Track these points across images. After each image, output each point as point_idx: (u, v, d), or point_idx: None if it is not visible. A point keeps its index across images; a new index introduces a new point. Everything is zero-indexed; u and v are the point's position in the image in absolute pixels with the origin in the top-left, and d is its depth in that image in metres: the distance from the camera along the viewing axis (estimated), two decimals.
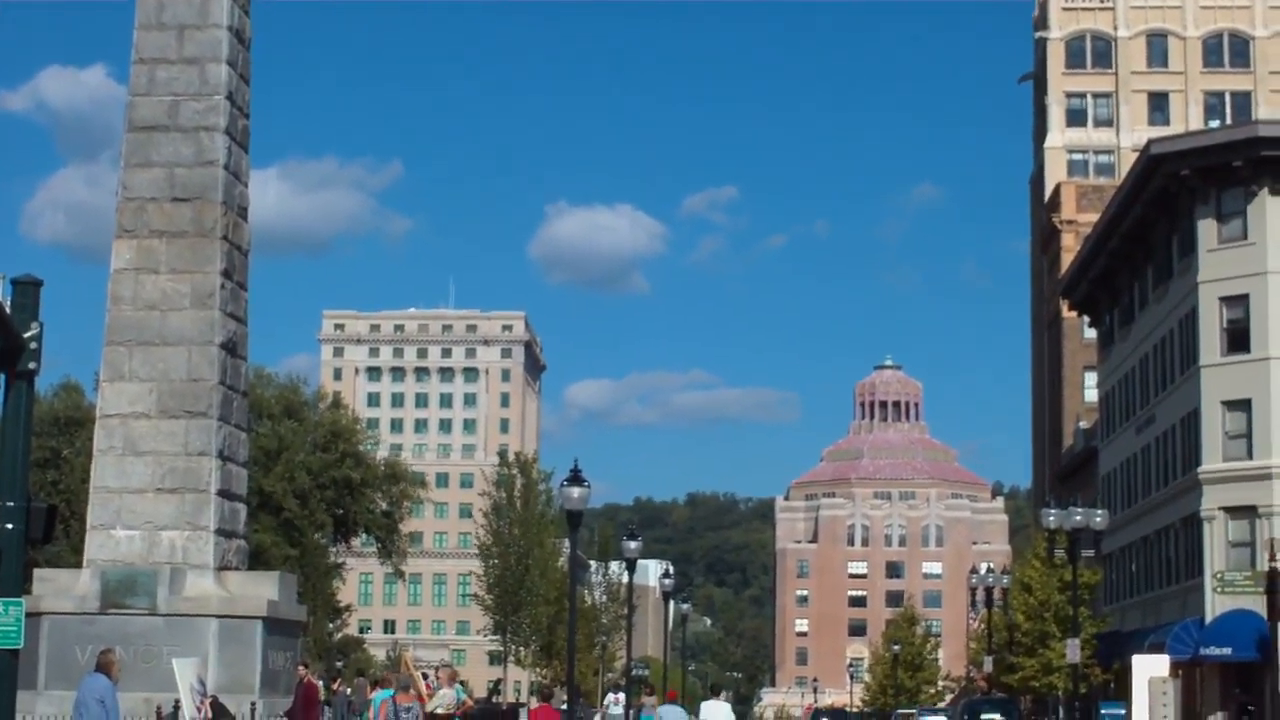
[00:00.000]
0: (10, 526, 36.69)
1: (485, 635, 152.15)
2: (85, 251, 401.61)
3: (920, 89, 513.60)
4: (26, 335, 36.58)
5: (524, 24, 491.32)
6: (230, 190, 33.09)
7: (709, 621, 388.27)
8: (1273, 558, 63.59)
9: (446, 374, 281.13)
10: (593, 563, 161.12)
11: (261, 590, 36.76)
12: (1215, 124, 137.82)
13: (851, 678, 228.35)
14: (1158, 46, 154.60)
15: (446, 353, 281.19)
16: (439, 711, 42.76)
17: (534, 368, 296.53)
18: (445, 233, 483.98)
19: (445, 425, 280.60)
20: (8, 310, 36.02)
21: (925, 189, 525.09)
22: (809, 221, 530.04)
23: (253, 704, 36.61)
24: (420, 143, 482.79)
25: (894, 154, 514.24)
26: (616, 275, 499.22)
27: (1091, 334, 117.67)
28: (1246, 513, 77.35)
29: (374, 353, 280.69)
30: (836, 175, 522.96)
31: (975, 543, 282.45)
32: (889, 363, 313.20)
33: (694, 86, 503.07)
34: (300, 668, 41.93)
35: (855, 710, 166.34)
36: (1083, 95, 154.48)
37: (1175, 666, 72.14)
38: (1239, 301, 78.19)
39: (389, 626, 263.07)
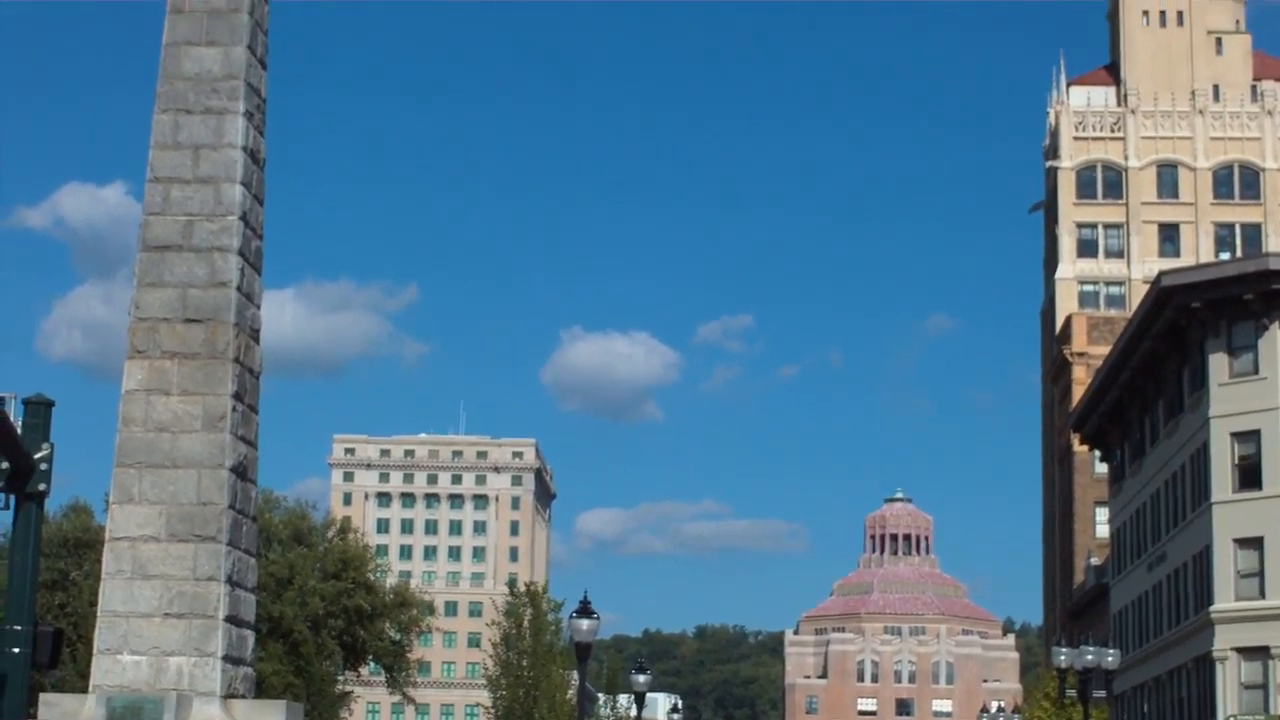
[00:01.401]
0: (17, 651, 36.47)
1: None
2: (99, 370, 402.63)
3: (933, 218, 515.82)
4: (37, 456, 36.51)
5: (541, 147, 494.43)
6: (243, 312, 33.01)
7: None
8: None
9: (456, 501, 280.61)
10: (601, 695, 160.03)
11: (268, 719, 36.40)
12: (1226, 256, 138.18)
13: None
14: (1168, 177, 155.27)
15: (457, 479, 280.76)
16: None
17: (544, 495, 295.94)
18: (459, 357, 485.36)
19: (454, 553, 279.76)
20: (19, 431, 35.95)
21: (938, 319, 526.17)
22: (823, 351, 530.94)
23: None
24: (437, 266, 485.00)
25: (907, 284, 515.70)
26: (629, 403, 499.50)
27: (1103, 468, 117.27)
28: (1260, 654, 76.41)
29: (384, 478, 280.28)
30: (850, 305, 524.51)
31: (986, 680, 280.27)
32: (900, 495, 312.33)
33: (711, 215, 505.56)
34: None
35: None
36: (1094, 226, 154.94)
37: None
38: (1251, 437, 77.76)
39: None
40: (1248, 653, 76.94)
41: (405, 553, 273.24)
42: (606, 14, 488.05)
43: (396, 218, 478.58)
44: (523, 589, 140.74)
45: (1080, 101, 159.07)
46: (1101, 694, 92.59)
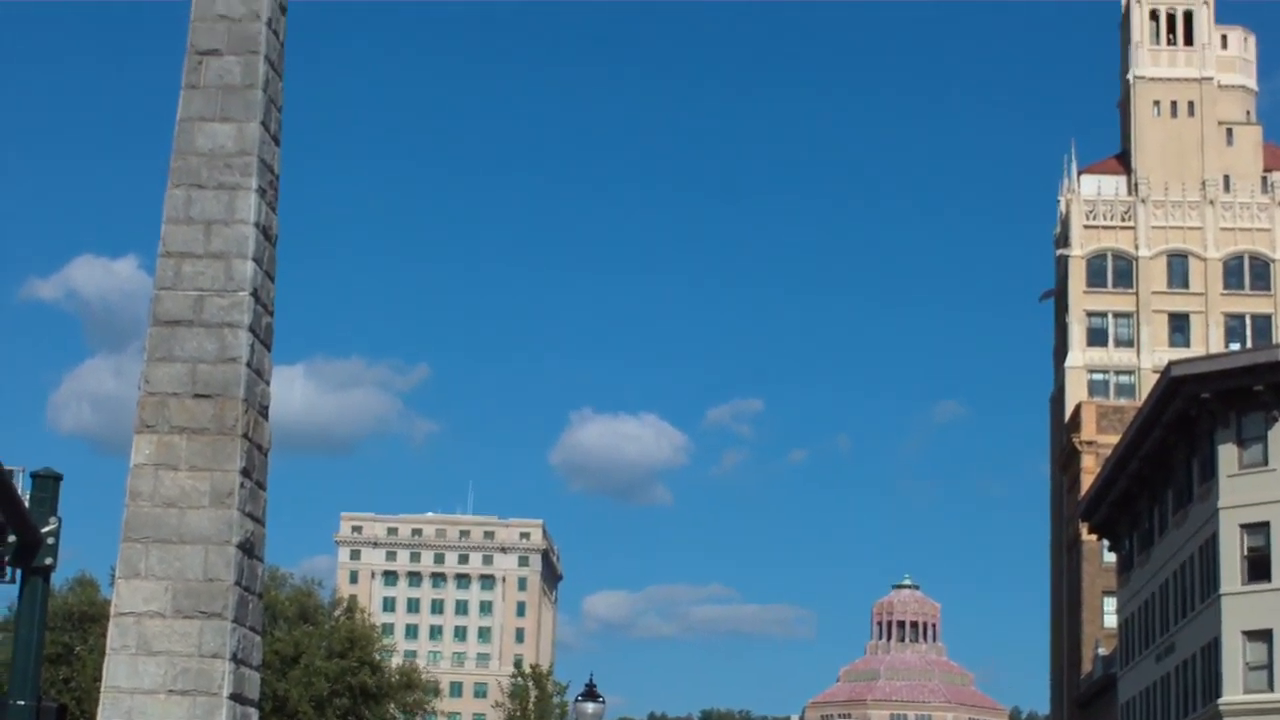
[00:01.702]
0: None
1: None
2: (108, 443, 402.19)
3: (943, 304, 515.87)
4: (44, 530, 36.49)
5: (553, 228, 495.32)
6: (252, 388, 33.01)
7: None
8: None
9: (463, 580, 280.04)
10: None
11: None
12: (1236, 346, 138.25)
13: None
14: (1179, 267, 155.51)
15: (463, 559, 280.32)
16: None
17: (551, 577, 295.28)
18: (468, 436, 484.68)
19: (460, 633, 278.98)
20: (26, 505, 35.94)
21: (948, 405, 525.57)
22: (832, 436, 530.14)
23: None
24: (448, 345, 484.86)
25: (918, 370, 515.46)
26: (638, 486, 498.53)
27: (1111, 557, 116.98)
28: None
29: (391, 556, 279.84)
30: (860, 390, 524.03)
31: None
32: (907, 582, 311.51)
33: (722, 298, 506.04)
34: None
35: None
36: (1104, 314, 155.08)
37: None
38: (1260, 529, 77.56)
39: None
40: None
41: (411, 632, 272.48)
42: (616, 93, 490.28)
43: (409, 297, 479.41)
44: (528, 670, 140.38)
45: (1091, 190, 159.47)
46: None
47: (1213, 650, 79.94)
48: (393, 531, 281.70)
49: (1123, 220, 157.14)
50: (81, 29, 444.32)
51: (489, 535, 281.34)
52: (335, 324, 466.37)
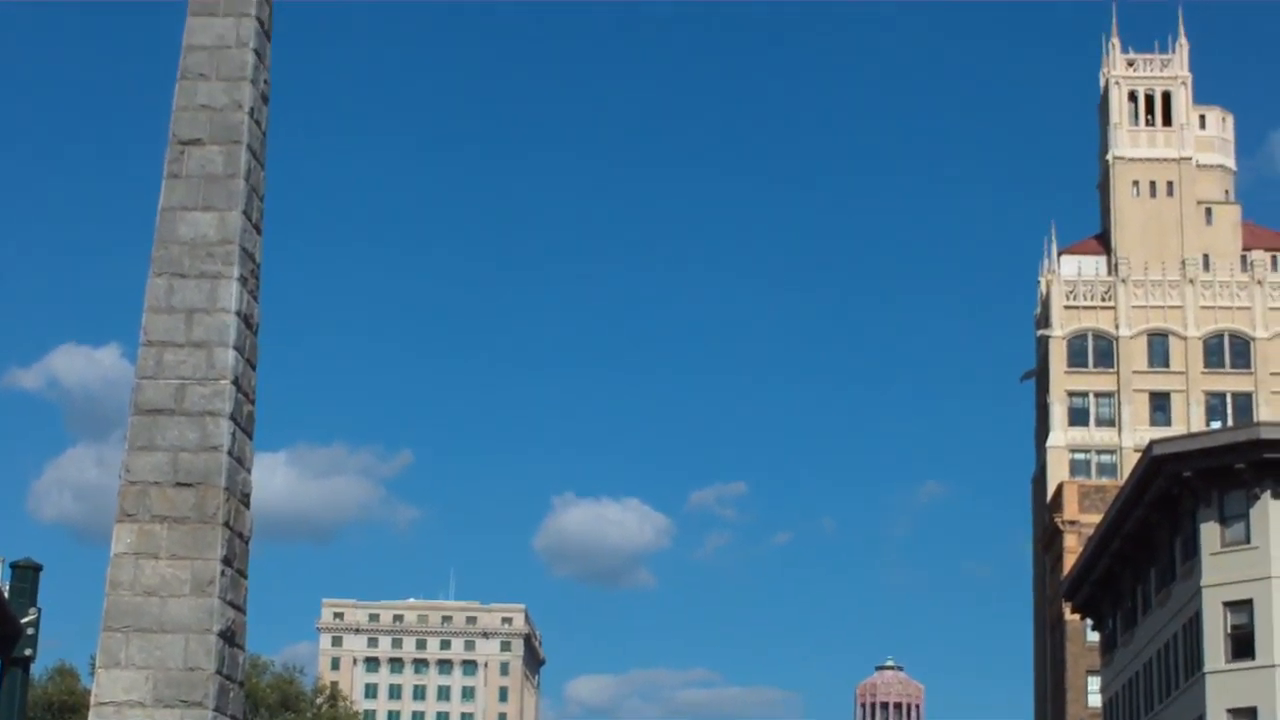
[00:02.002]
0: None
1: None
2: (89, 532, 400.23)
3: (925, 385, 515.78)
4: (24, 621, 36.34)
5: (535, 316, 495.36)
6: (233, 477, 32.98)
7: None
8: None
9: (445, 666, 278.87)
10: None
11: None
12: (1217, 425, 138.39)
13: None
14: (1159, 346, 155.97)
15: (445, 644, 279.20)
16: None
17: (534, 662, 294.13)
18: (450, 522, 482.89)
19: (443, 719, 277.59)
20: (6, 595, 35.80)
21: (931, 487, 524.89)
22: (815, 518, 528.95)
23: None
24: (431, 431, 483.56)
25: (900, 451, 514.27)
26: (621, 570, 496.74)
27: (1095, 637, 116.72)
28: None
29: (373, 643, 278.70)
30: (844, 473, 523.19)
31: None
32: (890, 663, 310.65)
33: (704, 383, 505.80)
34: None
35: None
36: (1085, 394, 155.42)
37: None
38: (1243, 607, 77.46)
39: None
40: None
41: (393, 718, 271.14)
42: (592, 182, 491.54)
43: (392, 384, 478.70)
44: None
45: (1071, 271, 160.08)
46: None
47: None
48: (375, 617, 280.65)
49: (1103, 300, 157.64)
50: (62, 117, 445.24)
51: (471, 621, 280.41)
52: (318, 411, 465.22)
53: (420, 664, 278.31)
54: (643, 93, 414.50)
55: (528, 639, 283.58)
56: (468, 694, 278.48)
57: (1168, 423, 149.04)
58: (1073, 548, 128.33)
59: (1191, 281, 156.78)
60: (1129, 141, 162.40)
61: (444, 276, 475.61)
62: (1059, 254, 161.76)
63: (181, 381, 32.49)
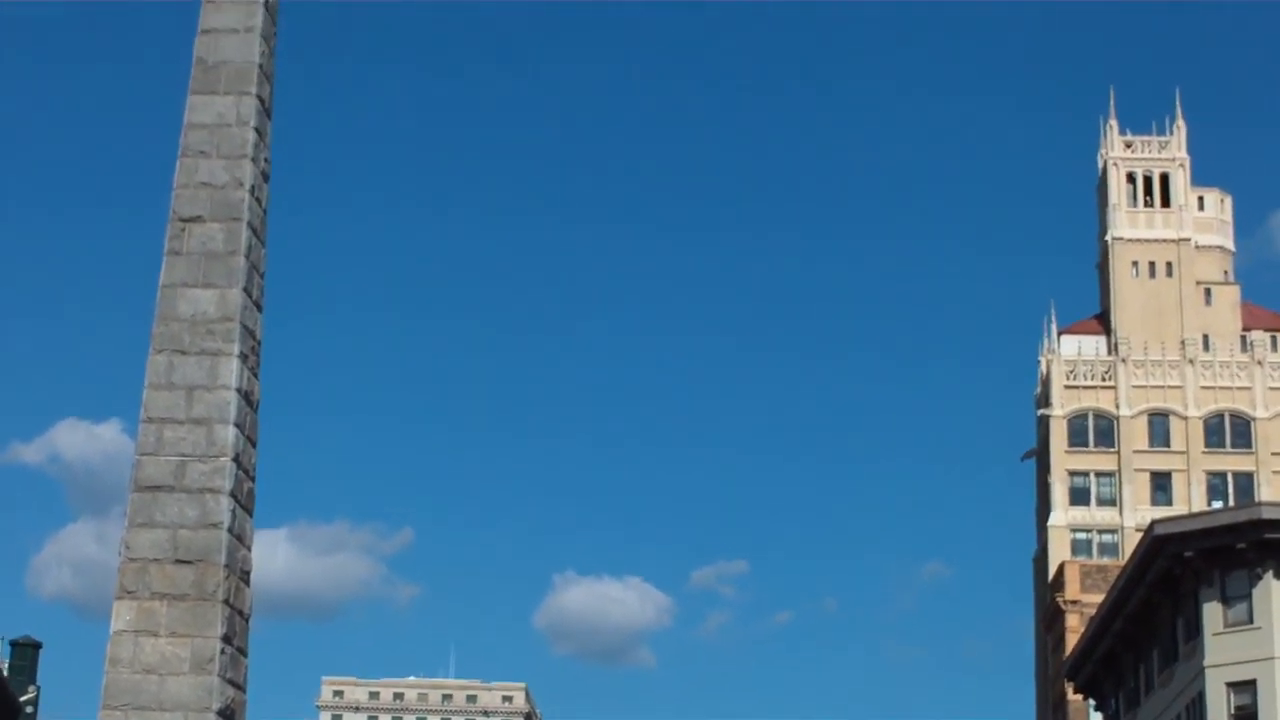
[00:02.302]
0: None
1: None
2: (90, 608, 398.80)
3: (926, 464, 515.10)
4: (23, 699, 36.28)
5: (536, 392, 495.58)
6: (233, 554, 32.97)
7: None
8: None
9: None
10: None
11: None
12: (1218, 505, 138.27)
13: None
14: (1159, 426, 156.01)
15: None
16: None
17: None
18: (451, 599, 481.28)
19: None
20: (5, 673, 35.72)
21: (934, 566, 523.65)
22: (818, 597, 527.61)
23: None
24: (433, 508, 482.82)
25: (903, 531, 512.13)
26: (622, 648, 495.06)
27: (1098, 717, 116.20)
28: None
29: None
30: (846, 551, 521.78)
31: None
32: None
33: (706, 460, 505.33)
34: None
35: None
36: (1086, 474, 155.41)
37: None
38: (1247, 687, 77.15)
39: None
40: None
41: None
42: (586, 255, 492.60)
43: (394, 460, 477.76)
44: None
45: (1071, 350, 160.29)
46: None
47: None
48: (375, 695, 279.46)
49: (1103, 380, 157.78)
50: (63, 191, 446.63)
51: (472, 699, 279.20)
52: (320, 488, 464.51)
53: None
54: (646, 155, 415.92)
55: (528, 717, 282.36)
56: None
57: (1169, 502, 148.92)
58: (1075, 627, 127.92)
59: (1191, 362, 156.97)
60: (1128, 222, 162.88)
61: (443, 349, 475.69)
62: (1059, 334, 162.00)
63: (182, 458, 32.52)
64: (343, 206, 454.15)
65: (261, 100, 34.00)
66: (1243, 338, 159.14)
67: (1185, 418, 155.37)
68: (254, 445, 33.61)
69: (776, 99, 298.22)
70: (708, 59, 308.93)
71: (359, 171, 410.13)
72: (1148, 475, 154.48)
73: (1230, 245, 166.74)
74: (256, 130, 33.78)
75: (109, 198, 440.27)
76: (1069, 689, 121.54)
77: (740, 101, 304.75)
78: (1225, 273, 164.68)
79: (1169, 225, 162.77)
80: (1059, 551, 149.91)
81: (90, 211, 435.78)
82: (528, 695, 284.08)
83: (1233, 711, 77.73)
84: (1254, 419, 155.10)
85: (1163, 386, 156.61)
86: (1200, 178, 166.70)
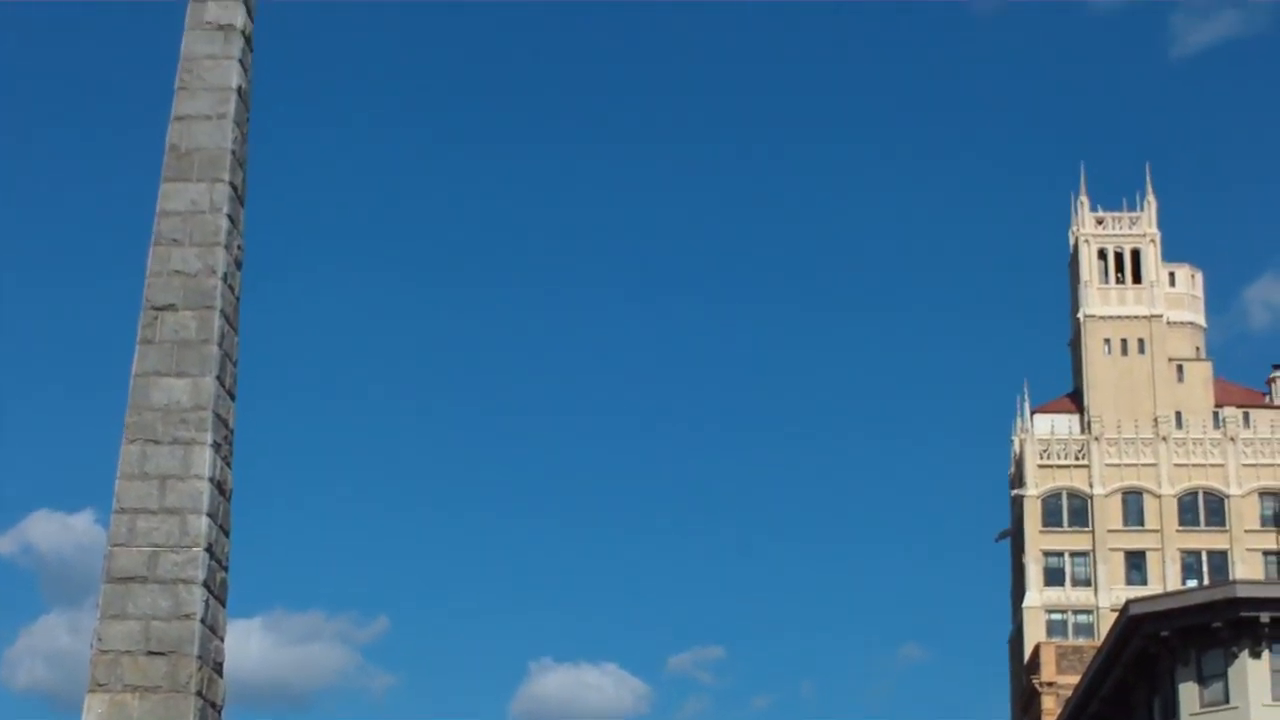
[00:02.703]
0: None
1: None
2: (62, 700, 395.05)
3: (901, 547, 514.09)
4: None
5: (512, 480, 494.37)
6: (206, 645, 32.70)
7: None
8: None
9: None
10: None
11: None
12: (1193, 583, 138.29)
13: None
14: (1134, 505, 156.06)
15: None
16: None
17: None
18: (427, 688, 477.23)
19: None
20: None
21: (910, 649, 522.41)
22: (794, 681, 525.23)
23: None
24: (407, 597, 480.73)
25: (879, 614, 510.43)
26: None
27: None
28: None
29: None
30: (822, 636, 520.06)
31: None
32: None
33: (681, 547, 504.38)
34: None
35: None
36: (1060, 554, 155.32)
37: None
38: None
39: None
40: None
41: None
42: (556, 341, 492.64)
43: (369, 549, 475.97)
44: None
45: (1044, 429, 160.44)
46: None
47: None
48: None
49: (1076, 459, 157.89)
50: (29, 284, 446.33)
51: None
52: (295, 577, 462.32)
53: None
54: (613, 230, 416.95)
55: None
56: None
57: (1144, 581, 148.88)
58: (1051, 709, 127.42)
59: (1164, 439, 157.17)
60: (1099, 299, 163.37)
61: (416, 434, 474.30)
62: (1032, 413, 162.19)
63: (154, 549, 32.27)
64: (318, 285, 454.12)
65: (234, 187, 33.97)
66: (1215, 414, 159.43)
67: (1159, 496, 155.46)
68: (227, 535, 33.42)
69: (747, 172, 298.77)
70: (682, 131, 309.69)
71: (335, 248, 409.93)
72: (1122, 554, 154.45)
73: (1202, 321, 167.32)
74: (229, 217, 33.73)
75: (80, 285, 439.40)
76: None
77: (711, 174, 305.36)
78: (1197, 349, 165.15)
79: (1140, 302, 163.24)
80: (1034, 632, 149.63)
81: (62, 297, 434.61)
82: None
83: None
84: (1228, 496, 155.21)
85: (1136, 464, 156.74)
86: (1171, 253, 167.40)
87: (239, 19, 34.40)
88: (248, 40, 34.67)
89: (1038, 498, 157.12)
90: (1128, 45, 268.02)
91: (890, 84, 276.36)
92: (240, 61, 34.31)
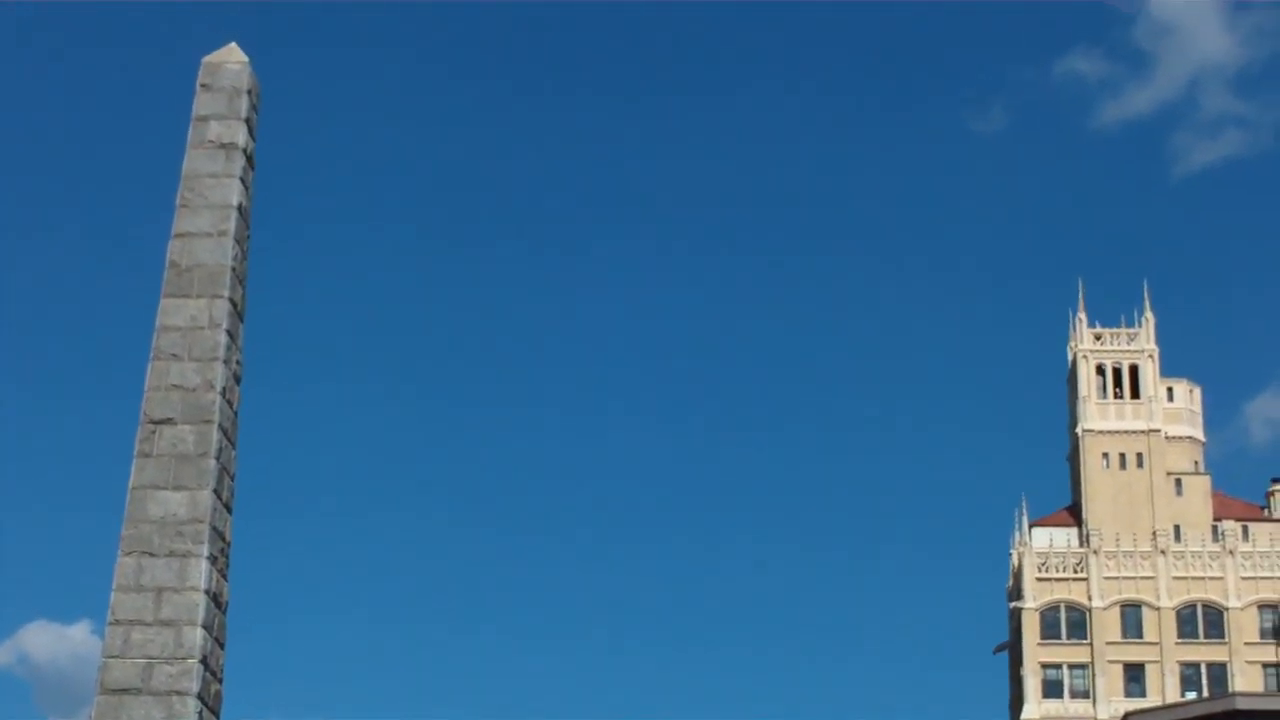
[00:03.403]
0: None
1: None
2: None
3: (900, 659, 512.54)
4: None
5: (493, 587, 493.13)
6: None
7: None
8: None
9: None
10: None
11: None
12: (1192, 695, 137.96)
13: None
14: (1132, 618, 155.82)
15: None
16: None
17: None
18: None
19: None
20: None
21: None
22: None
23: None
24: (405, 704, 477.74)
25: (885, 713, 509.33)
26: None
27: None
28: None
29: None
30: None
31: None
32: None
33: (674, 658, 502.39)
34: None
35: None
36: (1059, 666, 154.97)
37: None
38: None
39: None
40: None
41: None
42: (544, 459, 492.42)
43: (361, 659, 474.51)
44: None
45: (1043, 542, 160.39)
46: None
47: None
48: None
49: (1075, 572, 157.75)
50: (29, 398, 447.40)
51: None
52: (289, 688, 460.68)
53: None
54: (605, 354, 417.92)
55: None
56: None
57: (1142, 694, 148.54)
58: None
59: (1163, 552, 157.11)
60: (1098, 414, 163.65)
61: (417, 550, 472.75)
62: (1031, 526, 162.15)
63: (149, 661, 32.44)
64: (310, 401, 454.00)
65: (234, 303, 34.35)
66: (1214, 527, 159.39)
67: (1158, 608, 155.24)
68: (222, 647, 33.62)
69: (750, 283, 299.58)
70: (669, 263, 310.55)
71: (330, 359, 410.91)
72: (1121, 667, 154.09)
73: (1200, 435, 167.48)
74: (228, 333, 34.09)
75: (78, 398, 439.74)
76: None
77: (716, 283, 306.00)
78: (1195, 463, 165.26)
79: (1139, 417, 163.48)
80: None
81: (61, 409, 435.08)
82: None
83: None
84: (1227, 609, 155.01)
85: (1135, 577, 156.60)
86: (1169, 368, 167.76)
87: (240, 138, 34.90)
88: (249, 159, 35.18)
89: (1036, 610, 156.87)
90: (1129, 163, 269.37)
91: (892, 199, 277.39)
92: (241, 180, 34.77)
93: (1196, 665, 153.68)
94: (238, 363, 34.49)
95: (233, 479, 34.18)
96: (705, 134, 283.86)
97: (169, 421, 33.36)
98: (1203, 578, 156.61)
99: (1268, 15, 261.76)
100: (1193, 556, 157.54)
